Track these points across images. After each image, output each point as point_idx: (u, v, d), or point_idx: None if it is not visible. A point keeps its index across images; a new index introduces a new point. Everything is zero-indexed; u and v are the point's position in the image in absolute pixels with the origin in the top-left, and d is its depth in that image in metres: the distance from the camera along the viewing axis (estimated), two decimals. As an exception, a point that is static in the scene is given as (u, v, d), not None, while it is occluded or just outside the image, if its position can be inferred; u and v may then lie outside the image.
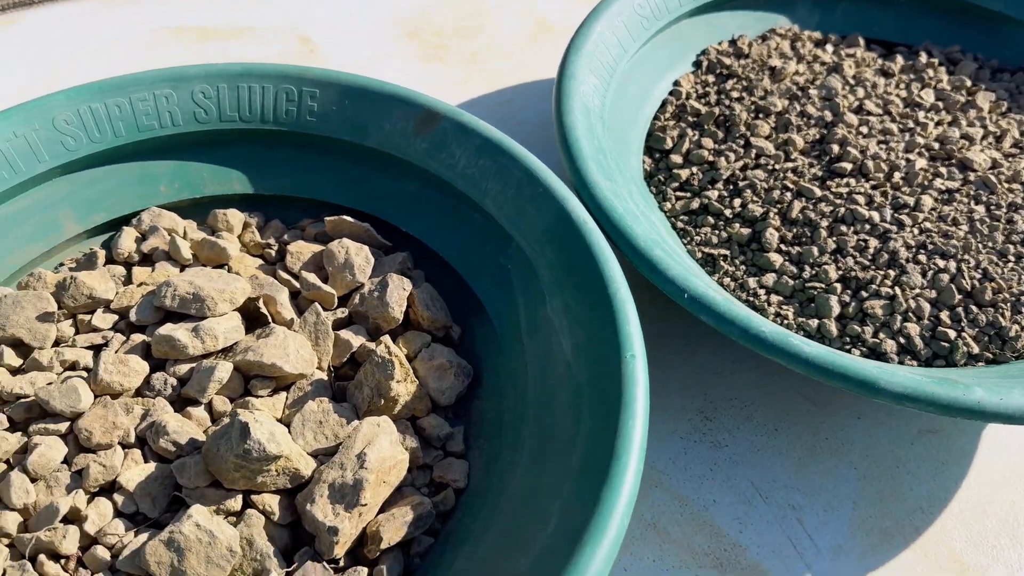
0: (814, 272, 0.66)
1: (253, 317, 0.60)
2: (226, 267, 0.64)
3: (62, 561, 0.48)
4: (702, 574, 0.56)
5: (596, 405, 0.49)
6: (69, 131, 0.65)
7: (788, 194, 0.71)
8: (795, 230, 0.68)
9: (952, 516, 0.60)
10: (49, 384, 0.54)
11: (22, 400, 0.54)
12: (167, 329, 0.56)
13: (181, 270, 0.64)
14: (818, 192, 0.70)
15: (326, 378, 0.58)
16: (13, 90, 0.89)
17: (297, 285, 0.63)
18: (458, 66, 0.96)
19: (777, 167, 0.73)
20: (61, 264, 0.65)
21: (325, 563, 0.49)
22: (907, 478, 0.62)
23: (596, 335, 0.53)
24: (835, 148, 0.74)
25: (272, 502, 0.51)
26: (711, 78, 0.83)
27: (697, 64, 0.86)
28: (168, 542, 0.47)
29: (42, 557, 0.47)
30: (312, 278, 0.62)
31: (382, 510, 0.52)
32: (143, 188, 0.67)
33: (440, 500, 0.54)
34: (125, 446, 0.52)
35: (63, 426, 0.52)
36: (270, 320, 0.60)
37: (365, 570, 0.50)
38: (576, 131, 0.64)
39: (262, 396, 0.56)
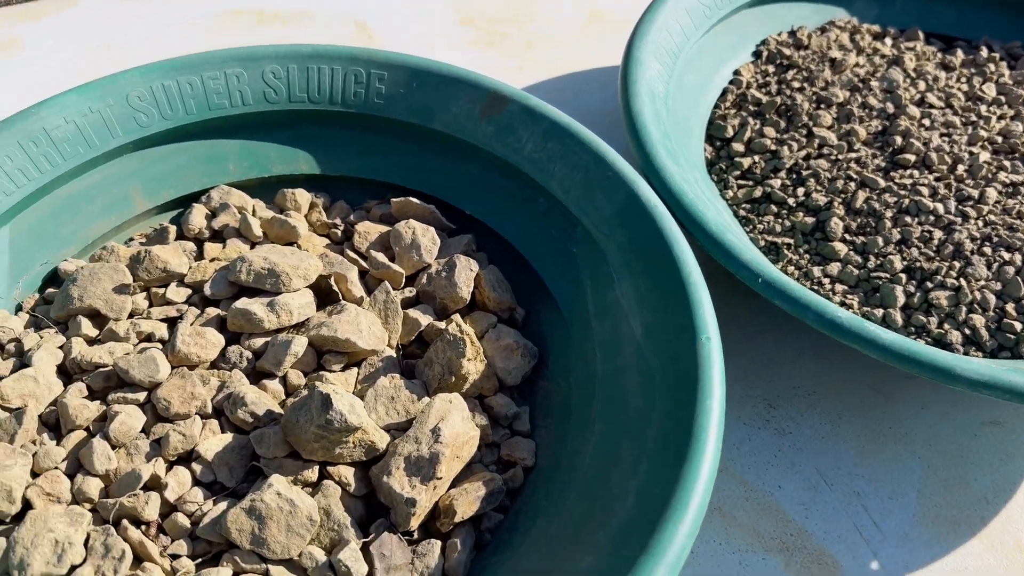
0: (879, 262, 0.66)
1: (324, 294, 0.61)
2: (295, 245, 0.64)
3: (142, 527, 0.49)
4: (768, 558, 0.56)
5: (670, 387, 0.50)
6: (142, 107, 0.66)
7: (852, 184, 0.71)
8: (859, 220, 0.68)
9: (1018, 506, 0.60)
10: (126, 354, 0.55)
11: (100, 369, 0.55)
12: (243, 303, 0.56)
13: (251, 247, 0.64)
14: (882, 183, 0.70)
15: (395, 355, 0.59)
16: (71, 71, 0.90)
17: (365, 264, 0.64)
18: (512, 53, 0.96)
19: (840, 157, 0.73)
20: (131, 239, 0.66)
21: (400, 535, 0.50)
22: (971, 468, 0.62)
23: (669, 318, 0.53)
24: (898, 140, 0.74)
25: (347, 474, 0.51)
26: (771, 68, 0.83)
27: (757, 54, 0.86)
28: (249, 510, 0.47)
29: (125, 522, 0.48)
30: (381, 257, 0.63)
31: (452, 485, 0.53)
32: (212, 166, 0.68)
33: (509, 478, 0.54)
34: (202, 416, 0.53)
35: (141, 395, 0.53)
36: (340, 297, 0.61)
37: (438, 543, 0.50)
38: (643, 116, 0.65)
39: (335, 371, 0.56)
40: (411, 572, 0.49)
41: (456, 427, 0.52)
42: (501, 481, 0.53)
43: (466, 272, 0.62)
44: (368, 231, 0.66)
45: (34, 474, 0.51)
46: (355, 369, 0.58)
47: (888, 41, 0.88)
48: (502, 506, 0.54)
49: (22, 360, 0.56)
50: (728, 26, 0.83)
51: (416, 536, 0.51)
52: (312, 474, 0.51)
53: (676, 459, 0.45)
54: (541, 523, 0.51)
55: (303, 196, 0.68)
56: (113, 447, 0.51)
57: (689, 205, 0.59)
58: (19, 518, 0.49)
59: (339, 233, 0.67)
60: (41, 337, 0.58)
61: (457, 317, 0.58)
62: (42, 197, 0.63)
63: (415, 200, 0.67)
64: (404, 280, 0.63)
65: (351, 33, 0.98)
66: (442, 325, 0.60)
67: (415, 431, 0.52)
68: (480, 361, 0.57)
